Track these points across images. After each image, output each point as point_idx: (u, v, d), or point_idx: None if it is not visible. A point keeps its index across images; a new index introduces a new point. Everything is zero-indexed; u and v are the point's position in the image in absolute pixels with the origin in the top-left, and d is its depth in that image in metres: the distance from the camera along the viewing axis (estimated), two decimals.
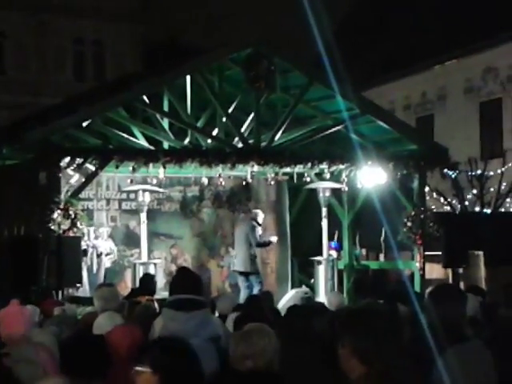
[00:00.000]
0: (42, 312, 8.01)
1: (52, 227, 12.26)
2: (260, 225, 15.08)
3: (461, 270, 15.13)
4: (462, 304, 4.95)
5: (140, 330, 5.54)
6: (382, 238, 15.52)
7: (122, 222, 15.08)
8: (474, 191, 20.45)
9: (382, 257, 17.27)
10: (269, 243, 15.22)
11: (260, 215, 15.18)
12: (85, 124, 13.21)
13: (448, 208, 20.14)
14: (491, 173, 20.92)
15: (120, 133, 13.53)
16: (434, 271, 16.89)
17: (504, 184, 20.86)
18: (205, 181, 14.48)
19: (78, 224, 12.50)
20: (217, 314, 8.72)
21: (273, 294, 14.07)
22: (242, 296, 13.76)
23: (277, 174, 14.85)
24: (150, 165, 13.15)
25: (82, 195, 13.70)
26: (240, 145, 14.10)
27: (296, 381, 4.64)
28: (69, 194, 12.80)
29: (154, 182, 13.88)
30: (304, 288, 15.65)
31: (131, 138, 13.59)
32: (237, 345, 4.47)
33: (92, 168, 12.92)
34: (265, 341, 4.46)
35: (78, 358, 4.54)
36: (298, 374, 4.89)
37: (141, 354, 3.47)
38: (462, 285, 14.92)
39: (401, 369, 3.52)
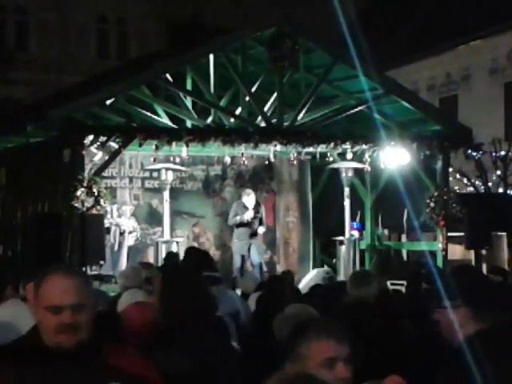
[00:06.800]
0: None
1: (76, 205, 12.32)
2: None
3: (484, 252, 15.09)
4: None
5: (153, 308, 5.57)
6: (404, 219, 15.49)
7: (144, 201, 15.13)
8: (498, 172, 20.28)
9: (404, 237, 17.24)
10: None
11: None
12: (108, 102, 13.24)
13: (471, 189, 19.99)
14: None
15: (143, 111, 13.55)
16: (457, 252, 16.86)
17: None
18: (227, 160, 14.50)
19: (102, 202, 12.56)
20: (239, 293, 8.77)
21: (294, 273, 14.20)
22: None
23: (299, 153, 14.83)
24: (173, 143, 13.17)
25: (106, 173, 13.75)
26: (263, 124, 14.08)
27: None
28: (92, 171, 12.88)
29: (177, 160, 13.93)
30: (326, 268, 15.69)
31: (154, 117, 13.60)
32: (285, 329, 4.34)
33: (115, 146, 12.97)
34: None
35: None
36: None
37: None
38: (484, 266, 14.91)
39: None
